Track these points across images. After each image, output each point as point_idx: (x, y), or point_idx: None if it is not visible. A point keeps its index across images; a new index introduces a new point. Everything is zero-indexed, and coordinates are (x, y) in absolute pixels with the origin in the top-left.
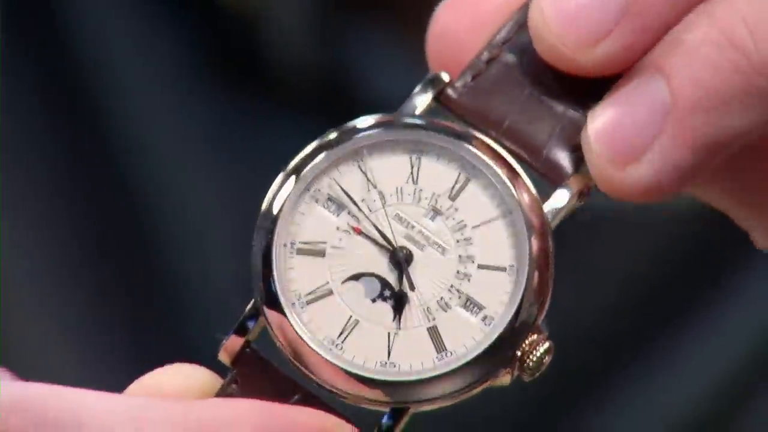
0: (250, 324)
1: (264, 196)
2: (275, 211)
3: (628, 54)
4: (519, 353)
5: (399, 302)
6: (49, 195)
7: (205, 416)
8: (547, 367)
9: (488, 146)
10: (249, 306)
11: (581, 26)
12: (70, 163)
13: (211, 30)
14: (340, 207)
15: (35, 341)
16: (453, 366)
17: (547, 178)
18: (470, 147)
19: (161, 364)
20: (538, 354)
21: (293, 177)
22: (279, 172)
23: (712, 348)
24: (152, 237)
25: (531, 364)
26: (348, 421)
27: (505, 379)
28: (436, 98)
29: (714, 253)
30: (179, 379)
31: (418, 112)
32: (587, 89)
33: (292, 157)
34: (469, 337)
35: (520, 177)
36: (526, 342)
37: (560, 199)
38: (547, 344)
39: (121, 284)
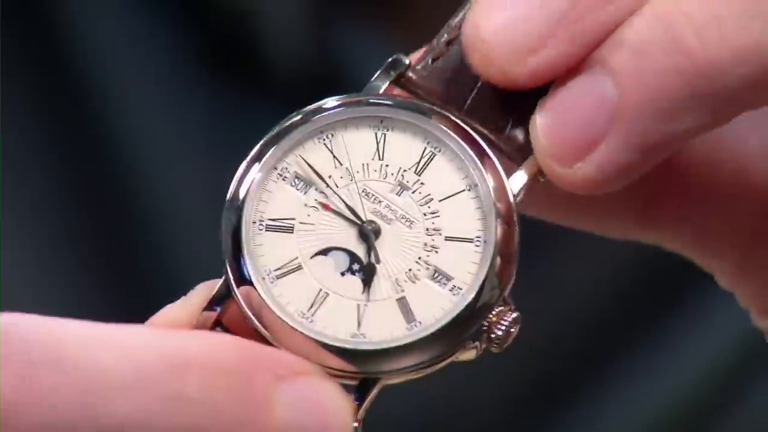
0: (216, 309)
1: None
2: (242, 193)
3: (568, 62)
4: (486, 324)
5: (368, 274)
6: (43, 187)
7: (188, 344)
8: (514, 340)
9: (452, 122)
10: (218, 287)
11: (512, 40)
12: (63, 157)
13: (205, 25)
14: (308, 184)
15: None
16: (422, 335)
17: (509, 156)
18: (435, 122)
19: None
20: (506, 324)
21: (257, 161)
22: None
23: (693, 347)
24: (144, 228)
25: (499, 334)
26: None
27: (470, 353)
28: (397, 81)
29: None
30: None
31: (380, 92)
32: None
33: (255, 142)
34: (438, 307)
35: (485, 151)
36: (494, 312)
37: (521, 176)
38: (514, 315)
39: (114, 274)
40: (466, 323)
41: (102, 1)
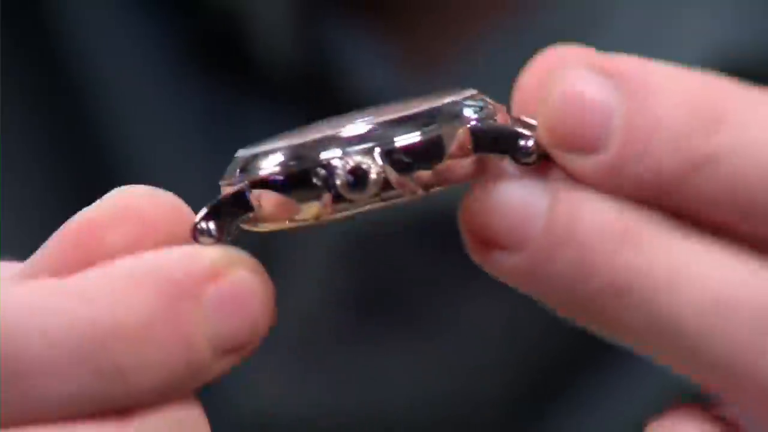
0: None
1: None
2: None
3: (593, 180)
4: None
5: None
6: (37, 185)
7: (103, 310)
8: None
9: None
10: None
11: (571, 131)
12: (57, 156)
13: (196, 23)
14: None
15: None
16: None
17: None
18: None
19: None
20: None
21: None
22: None
23: None
24: None
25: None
26: None
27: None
28: None
29: None
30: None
31: None
32: None
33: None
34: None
35: None
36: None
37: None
38: (373, 170)
39: None
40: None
41: (93, 0)
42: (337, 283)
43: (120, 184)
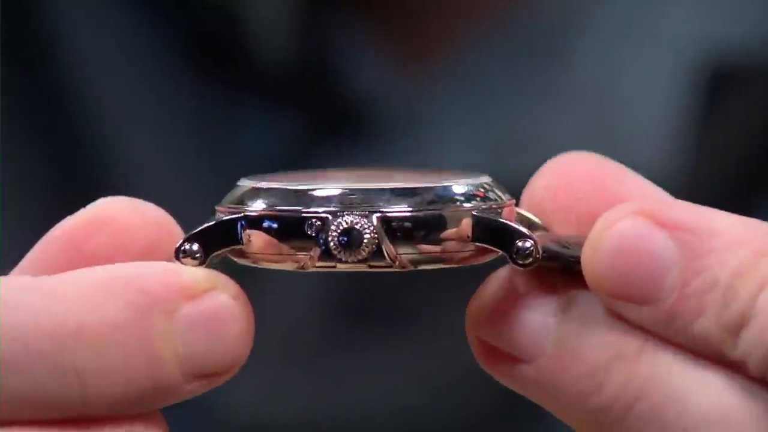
0: None
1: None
2: None
3: (636, 324)
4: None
5: None
6: (33, 185)
7: (74, 307)
8: None
9: None
10: None
11: (622, 279)
12: (50, 156)
13: (192, 21)
14: None
15: None
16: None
17: None
18: None
19: None
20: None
21: None
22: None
23: None
24: None
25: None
26: None
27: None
28: None
29: None
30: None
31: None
32: None
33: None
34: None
35: None
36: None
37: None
38: (367, 233)
39: None
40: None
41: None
42: (322, 289)
43: (115, 185)
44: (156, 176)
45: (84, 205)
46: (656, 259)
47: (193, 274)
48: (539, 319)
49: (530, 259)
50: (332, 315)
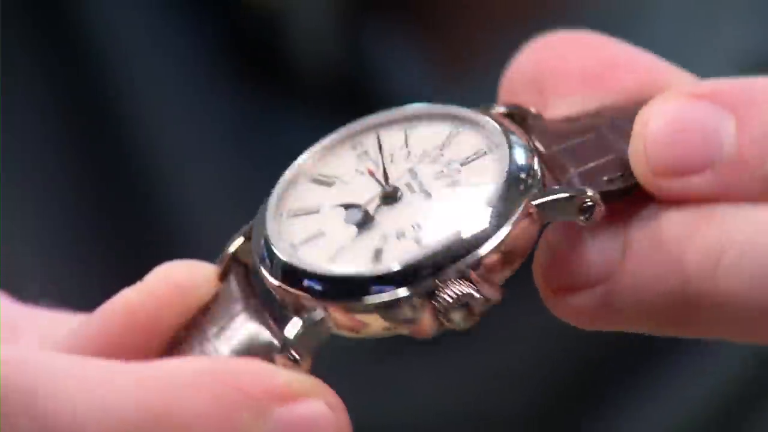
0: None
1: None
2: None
3: (687, 198)
4: (438, 283)
5: (364, 224)
6: (65, 192)
7: (166, 394)
8: (466, 326)
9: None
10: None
11: (671, 154)
12: (86, 158)
13: (232, 25)
14: (367, 155)
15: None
16: (380, 272)
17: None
18: (507, 140)
19: None
20: (455, 293)
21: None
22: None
23: (719, 355)
24: (164, 230)
25: (445, 298)
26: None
27: (413, 312)
28: (511, 114)
29: None
30: (188, 271)
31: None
32: None
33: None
34: (403, 251)
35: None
36: (452, 276)
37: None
38: (477, 295)
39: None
40: (420, 274)
41: (126, 1)
42: None
43: (147, 187)
44: (195, 181)
45: (116, 211)
46: (708, 122)
47: (290, 376)
48: (608, 245)
49: (597, 211)
50: None
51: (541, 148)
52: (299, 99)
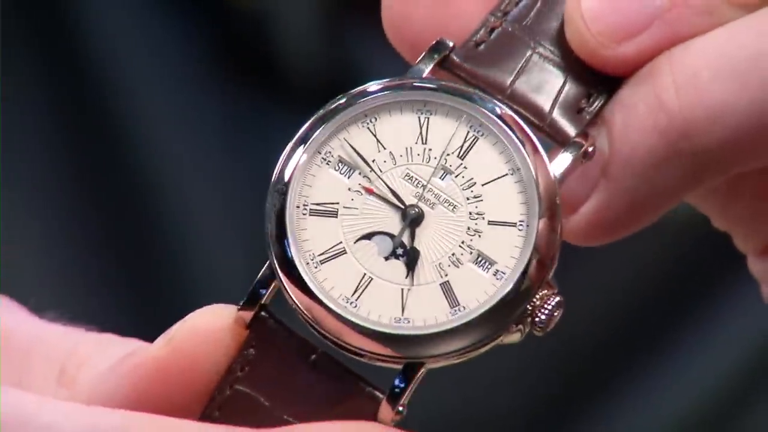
0: (263, 291)
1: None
2: (287, 176)
3: (642, 59)
4: (530, 307)
5: (411, 259)
6: (56, 190)
7: None
8: (557, 323)
9: (496, 105)
10: (263, 269)
11: (615, 20)
12: (77, 161)
13: (220, 26)
14: (352, 168)
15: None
16: (466, 319)
17: (552, 139)
18: (478, 106)
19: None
20: (549, 308)
21: (302, 144)
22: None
23: (713, 351)
24: (156, 232)
25: (542, 318)
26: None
27: (515, 336)
28: (441, 64)
29: (714, 258)
30: (212, 317)
31: (424, 76)
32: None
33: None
34: (482, 291)
35: (528, 135)
36: (537, 296)
37: (565, 159)
38: (557, 298)
39: (125, 278)
40: (510, 307)
41: (117, 2)
42: None
43: (138, 189)
44: (183, 180)
45: (111, 217)
46: None
47: None
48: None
49: (593, 150)
50: None
51: (500, 101)
52: (287, 98)
